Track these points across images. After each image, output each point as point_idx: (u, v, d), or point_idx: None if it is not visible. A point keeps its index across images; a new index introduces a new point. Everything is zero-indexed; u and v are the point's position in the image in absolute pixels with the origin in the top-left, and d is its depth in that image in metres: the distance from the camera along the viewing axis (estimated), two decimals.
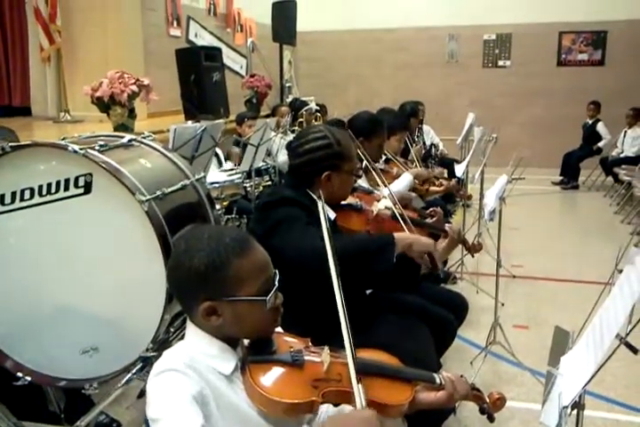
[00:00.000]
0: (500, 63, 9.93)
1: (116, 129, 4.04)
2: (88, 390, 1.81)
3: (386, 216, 2.20)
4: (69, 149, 1.69)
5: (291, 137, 5.09)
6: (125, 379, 1.77)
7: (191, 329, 1.23)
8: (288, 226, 1.79)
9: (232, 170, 3.95)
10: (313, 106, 6.49)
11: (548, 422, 1.19)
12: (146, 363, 1.77)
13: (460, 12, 9.64)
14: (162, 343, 1.84)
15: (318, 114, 6.39)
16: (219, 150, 4.08)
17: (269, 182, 4.32)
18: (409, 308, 2.21)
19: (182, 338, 2.06)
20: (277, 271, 1.25)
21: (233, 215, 3.70)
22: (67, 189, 1.74)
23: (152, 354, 1.74)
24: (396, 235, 1.80)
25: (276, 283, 1.23)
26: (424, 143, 5.05)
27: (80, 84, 5.04)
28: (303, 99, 7.04)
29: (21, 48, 6.18)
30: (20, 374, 1.81)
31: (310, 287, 1.68)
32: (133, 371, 1.76)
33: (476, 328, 3.36)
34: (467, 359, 3.03)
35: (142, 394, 2.69)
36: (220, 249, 1.17)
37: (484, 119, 6.42)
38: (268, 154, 4.50)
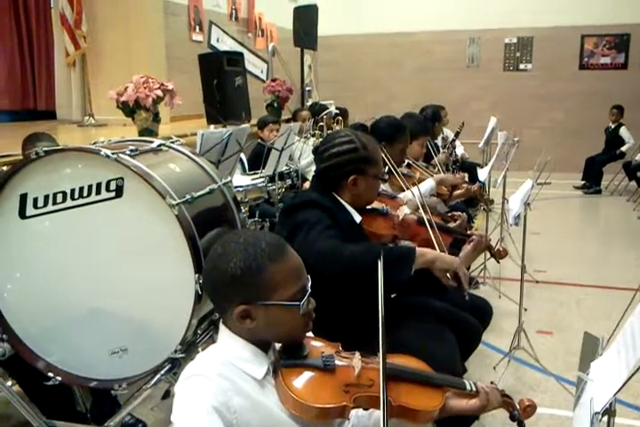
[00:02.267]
0: (522, 67, 9.88)
1: (140, 133, 4.09)
2: (117, 391, 1.83)
3: (412, 221, 2.21)
4: (102, 153, 1.72)
5: (312, 141, 5.11)
6: (154, 380, 1.79)
7: (225, 332, 1.24)
8: (307, 228, 1.80)
9: (255, 174, 3.97)
10: (333, 110, 6.51)
11: None
12: (174, 365, 1.79)
13: (481, 15, 9.61)
14: (189, 345, 1.86)
15: (339, 118, 6.40)
16: (243, 156, 4.11)
17: (290, 185, 4.34)
18: (433, 312, 2.21)
19: (208, 340, 2.11)
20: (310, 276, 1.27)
21: (256, 219, 3.72)
22: (98, 192, 1.77)
23: (180, 356, 1.76)
24: (419, 249, 1.79)
25: (309, 288, 1.24)
26: (452, 153, 4.97)
27: (104, 88, 5.12)
28: (323, 103, 7.07)
29: (47, 53, 6.30)
30: (50, 374, 1.84)
31: (337, 292, 1.70)
32: (162, 372, 1.78)
33: (498, 333, 3.34)
34: (489, 365, 3.02)
35: (167, 395, 2.73)
36: (256, 254, 1.18)
37: (505, 123, 6.40)
38: (290, 158, 4.53)
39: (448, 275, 1.81)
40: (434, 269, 1.78)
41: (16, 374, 2.03)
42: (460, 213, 2.54)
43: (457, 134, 5.20)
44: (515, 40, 9.88)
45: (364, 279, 1.70)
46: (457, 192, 3.34)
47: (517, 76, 9.87)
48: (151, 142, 2.08)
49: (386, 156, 2.63)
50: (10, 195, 1.80)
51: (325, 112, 6.15)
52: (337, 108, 6.61)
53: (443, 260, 1.79)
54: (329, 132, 5.62)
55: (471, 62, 10.09)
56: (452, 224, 2.38)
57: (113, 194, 1.76)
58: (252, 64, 8.11)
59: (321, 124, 6.03)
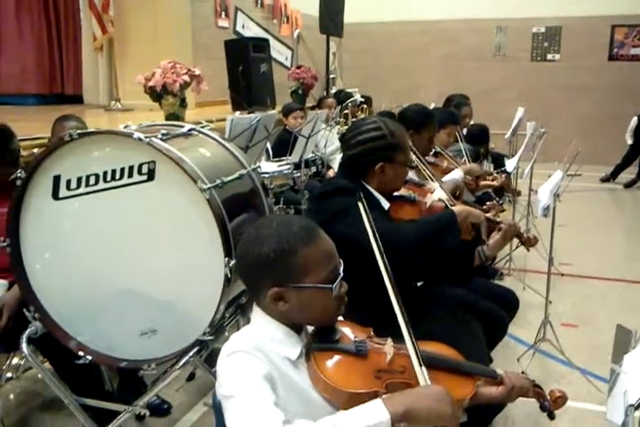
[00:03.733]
0: (549, 57, 9.73)
1: (167, 118, 4.12)
2: (146, 371, 1.85)
3: (439, 208, 2.19)
4: (134, 136, 1.73)
5: (336, 129, 5.10)
6: (182, 362, 1.81)
7: (258, 314, 1.25)
8: (350, 213, 1.79)
9: (280, 161, 3.97)
10: (358, 97, 6.48)
11: (614, 420, 1.18)
12: (202, 347, 1.81)
13: (508, 3, 9.47)
14: (218, 328, 1.87)
15: (364, 106, 6.37)
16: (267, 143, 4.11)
17: (315, 172, 4.33)
18: (459, 301, 2.20)
19: (236, 324, 2.13)
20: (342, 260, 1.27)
21: (280, 206, 3.73)
22: (130, 175, 1.78)
23: (209, 338, 1.78)
24: (454, 209, 1.90)
25: (341, 272, 1.24)
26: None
27: (131, 73, 5.15)
28: (348, 90, 7.03)
29: (74, 37, 6.34)
30: (81, 353, 1.87)
31: (369, 276, 1.69)
32: (190, 354, 1.80)
33: (522, 325, 3.32)
34: (513, 356, 3.00)
35: (192, 377, 2.77)
36: (288, 237, 1.19)
37: (531, 114, 6.30)
38: (314, 146, 4.51)
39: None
40: (466, 223, 1.88)
41: (48, 352, 2.06)
42: (492, 202, 2.52)
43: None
44: (543, 29, 9.72)
45: (429, 252, 1.77)
46: (484, 182, 3.31)
47: (545, 66, 9.72)
48: (182, 127, 2.09)
49: (412, 145, 2.62)
50: (43, 176, 1.82)
51: (350, 100, 6.12)
52: (361, 96, 6.57)
53: (474, 214, 1.91)
54: (353, 120, 5.59)
55: (498, 52, 9.95)
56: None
57: (145, 177, 1.78)
58: (277, 51, 8.10)
59: (346, 111, 6.01)
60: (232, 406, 1.07)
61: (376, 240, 1.38)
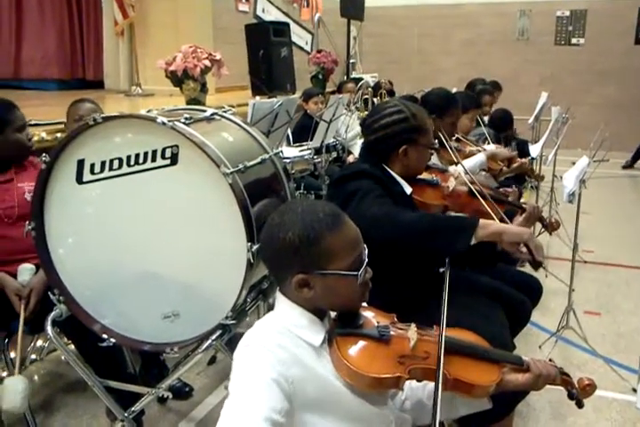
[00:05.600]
0: (574, 41, 9.53)
1: (188, 103, 4.11)
2: (169, 354, 1.87)
3: (462, 192, 2.17)
4: (158, 120, 1.72)
5: (356, 115, 5.05)
6: (205, 346, 1.82)
7: (282, 300, 1.25)
8: (360, 196, 1.77)
9: (301, 146, 3.96)
10: (368, 79, 6.39)
11: None
12: (224, 331, 1.81)
13: None
14: (240, 313, 1.88)
15: (383, 91, 6.29)
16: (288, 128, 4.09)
17: (335, 158, 4.31)
18: (482, 288, 2.18)
19: (257, 309, 2.14)
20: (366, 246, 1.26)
21: (301, 191, 3.72)
22: (154, 159, 1.78)
23: (231, 322, 1.78)
24: (483, 221, 1.70)
25: (366, 258, 1.23)
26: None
27: (151, 58, 5.15)
28: (362, 75, 6.94)
29: (95, 22, 6.35)
30: (105, 336, 1.88)
31: (391, 261, 1.68)
32: (213, 338, 1.81)
33: (544, 313, 3.30)
34: (535, 343, 2.99)
35: (213, 361, 2.80)
36: (313, 223, 1.18)
37: (555, 99, 6.19)
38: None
39: (520, 248, 1.71)
40: (502, 242, 1.69)
41: (72, 334, 2.09)
42: (511, 188, 2.49)
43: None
44: (567, 13, 9.52)
45: (419, 246, 1.68)
46: (506, 168, 3.26)
47: (569, 50, 9.53)
48: (204, 111, 2.08)
49: (437, 128, 2.59)
50: (67, 160, 1.83)
51: (360, 84, 5.99)
52: (389, 82, 6.45)
53: (511, 232, 1.68)
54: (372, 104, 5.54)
55: (521, 36, 9.77)
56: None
57: (168, 161, 1.77)
58: (297, 35, 8.02)
59: (366, 96, 5.94)
60: (229, 404, 1.06)
61: None
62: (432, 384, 1.33)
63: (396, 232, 1.69)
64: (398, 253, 1.75)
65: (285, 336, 1.17)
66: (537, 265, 1.72)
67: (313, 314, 1.23)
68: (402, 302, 1.63)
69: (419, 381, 1.34)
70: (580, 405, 1.34)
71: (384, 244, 1.62)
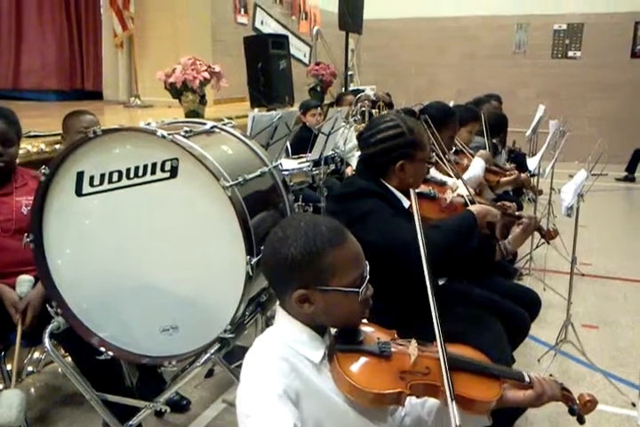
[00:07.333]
0: (570, 54, 9.61)
1: (187, 115, 4.12)
2: (167, 368, 1.85)
3: (459, 204, 2.17)
4: (158, 133, 1.72)
5: (354, 127, 5.06)
6: (204, 359, 1.81)
7: (282, 315, 1.24)
8: (377, 217, 1.79)
9: (300, 158, 3.96)
10: (368, 92, 6.42)
11: None
12: (223, 344, 1.81)
13: (529, 0, 9.35)
14: (238, 326, 1.87)
15: (381, 104, 6.32)
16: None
17: (333, 170, 4.31)
18: (481, 302, 2.18)
19: (256, 322, 2.12)
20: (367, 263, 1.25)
21: (299, 203, 3.72)
22: (153, 172, 1.78)
23: (230, 336, 1.77)
24: (472, 209, 1.90)
25: (367, 274, 1.23)
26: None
27: (150, 70, 5.17)
28: (363, 88, 6.98)
29: (95, 33, 6.37)
30: (103, 349, 1.87)
31: (394, 279, 1.68)
32: (211, 351, 1.80)
33: (542, 326, 3.29)
34: (533, 356, 2.98)
35: (210, 374, 2.78)
36: (316, 239, 1.17)
37: (552, 112, 6.22)
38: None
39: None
40: (483, 222, 1.89)
41: (70, 347, 2.08)
42: (508, 202, 2.49)
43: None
44: (564, 26, 9.60)
45: (451, 260, 1.80)
46: (505, 179, 3.27)
47: (566, 63, 9.60)
48: (204, 124, 2.09)
49: (436, 140, 2.60)
50: (67, 173, 1.83)
51: (358, 96, 6.01)
52: (377, 98, 6.49)
53: (491, 213, 1.92)
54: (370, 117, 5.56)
55: (518, 49, 9.85)
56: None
57: (167, 174, 1.77)
58: (296, 47, 8.08)
59: (363, 109, 5.96)
60: (253, 424, 1.05)
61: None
62: (431, 400, 1.33)
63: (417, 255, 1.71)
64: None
65: (288, 353, 1.16)
66: (493, 242, 1.98)
67: (313, 330, 1.23)
68: (401, 319, 1.63)
69: (419, 397, 1.33)
70: (581, 421, 1.33)
71: (407, 267, 1.60)
